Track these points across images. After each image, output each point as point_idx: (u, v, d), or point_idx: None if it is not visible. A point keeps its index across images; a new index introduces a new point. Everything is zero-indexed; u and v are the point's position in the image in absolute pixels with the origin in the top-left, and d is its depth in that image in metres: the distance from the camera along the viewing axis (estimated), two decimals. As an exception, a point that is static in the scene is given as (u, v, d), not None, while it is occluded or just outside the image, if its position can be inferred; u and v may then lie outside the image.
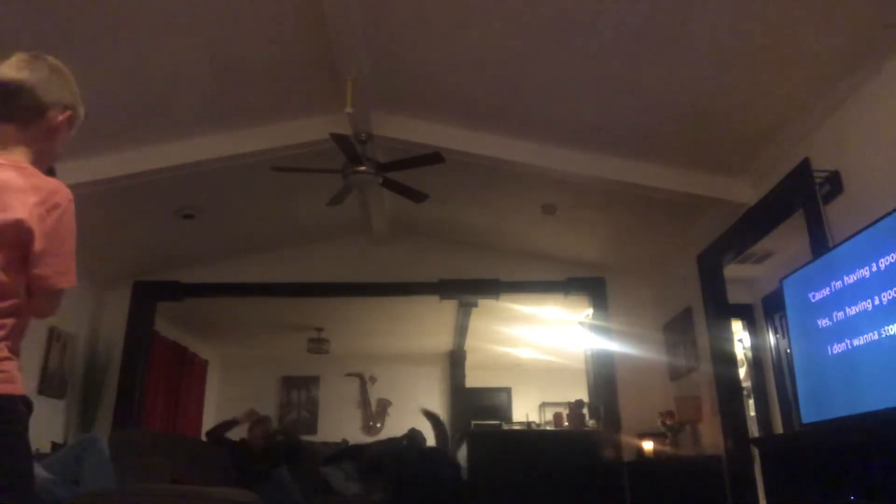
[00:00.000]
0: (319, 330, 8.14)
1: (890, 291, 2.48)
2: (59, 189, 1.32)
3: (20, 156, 1.36)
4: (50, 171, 1.44)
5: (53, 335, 5.08)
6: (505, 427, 6.28)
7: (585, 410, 5.63)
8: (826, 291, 2.88)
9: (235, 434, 5.21)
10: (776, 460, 3.17)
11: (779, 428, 5.40)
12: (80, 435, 4.33)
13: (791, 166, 3.61)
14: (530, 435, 5.86)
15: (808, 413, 2.98)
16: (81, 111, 1.51)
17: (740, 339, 5.89)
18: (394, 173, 4.19)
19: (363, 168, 3.99)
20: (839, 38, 2.92)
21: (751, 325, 5.92)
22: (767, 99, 3.42)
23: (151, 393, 6.36)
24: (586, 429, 5.43)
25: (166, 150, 4.10)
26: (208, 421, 8.14)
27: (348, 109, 3.56)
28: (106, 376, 5.43)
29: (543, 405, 9.37)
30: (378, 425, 9.11)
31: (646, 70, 3.36)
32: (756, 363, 5.88)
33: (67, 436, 5.15)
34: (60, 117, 1.42)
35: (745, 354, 5.99)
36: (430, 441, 5.98)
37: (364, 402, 9.25)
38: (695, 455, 4.86)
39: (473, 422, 6.96)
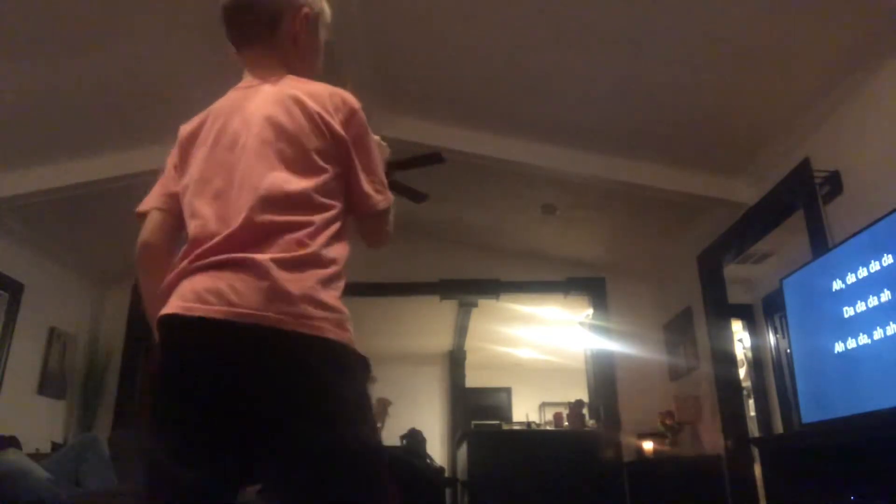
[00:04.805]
0: (319, 330, 8.14)
1: (890, 291, 2.48)
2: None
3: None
4: None
5: (53, 335, 5.08)
6: (505, 427, 6.28)
7: (585, 410, 5.63)
8: (826, 291, 2.88)
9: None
10: (776, 460, 3.17)
11: (779, 428, 5.40)
12: (80, 435, 4.33)
13: (791, 166, 3.61)
14: (530, 435, 5.87)
15: (808, 413, 2.98)
16: (322, 7, 1.37)
17: (740, 339, 5.89)
18: (394, 173, 4.19)
19: (363, 168, 3.99)
20: (839, 38, 2.92)
21: (751, 325, 5.93)
22: (767, 99, 3.42)
23: (151, 393, 6.35)
24: (586, 429, 5.43)
25: (167, 151, 4.09)
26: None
27: (348, 109, 3.56)
28: (106, 376, 5.43)
29: (543, 405, 9.37)
30: (378, 425, 9.11)
31: (646, 70, 3.35)
32: (756, 363, 5.88)
33: (67, 436, 5.14)
34: (297, 19, 1.30)
35: (745, 354, 6.00)
36: (431, 441, 5.98)
37: (364, 402, 9.24)
38: (695, 455, 4.86)
39: (473, 422, 6.96)
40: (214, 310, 1.02)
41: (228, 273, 1.04)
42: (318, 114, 1.16)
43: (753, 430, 5.55)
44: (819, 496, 2.65)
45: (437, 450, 8.49)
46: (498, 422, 6.92)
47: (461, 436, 5.99)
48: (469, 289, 6.11)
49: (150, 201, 1.28)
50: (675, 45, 3.16)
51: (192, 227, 1.14)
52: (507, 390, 9.69)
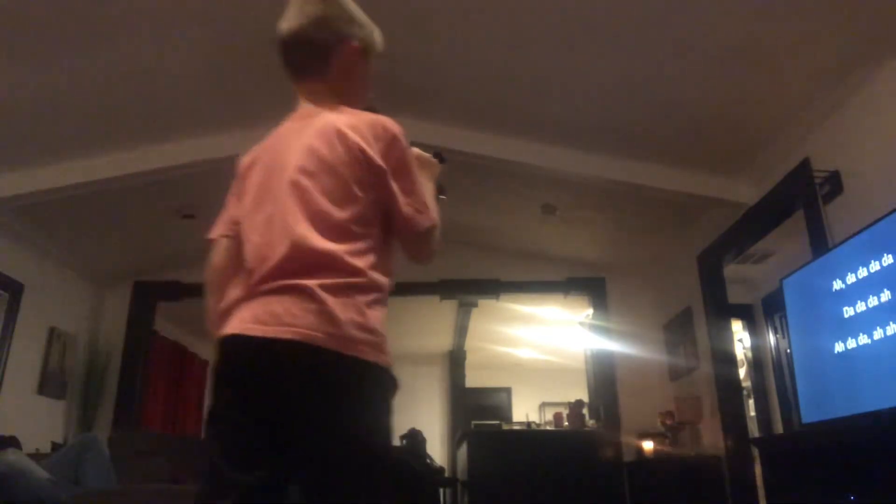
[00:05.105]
0: (319, 330, 8.13)
1: (889, 291, 2.48)
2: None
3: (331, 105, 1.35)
4: (370, 110, 1.42)
5: (53, 335, 5.08)
6: (505, 427, 6.28)
7: (585, 410, 5.63)
8: (826, 291, 2.88)
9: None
10: (776, 460, 3.17)
11: (779, 428, 5.41)
12: (80, 435, 4.33)
13: (791, 166, 3.61)
14: (530, 435, 5.86)
15: (808, 413, 2.98)
16: (372, 34, 1.46)
17: (740, 339, 5.89)
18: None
19: (363, 168, 3.99)
20: (839, 38, 2.92)
21: (751, 325, 5.93)
22: (767, 99, 3.42)
23: (151, 393, 6.35)
24: (586, 429, 5.43)
25: (165, 150, 4.10)
26: (208, 421, 8.13)
27: (348, 109, 3.56)
28: (106, 376, 5.43)
29: (543, 405, 9.38)
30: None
31: (646, 70, 3.35)
32: (756, 363, 5.88)
33: (67, 436, 5.15)
34: (347, 52, 1.39)
35: (745, 354, 6.00)
36: (431, 441, 5.96)
37: (364, 402, 9.24)
38: (695, 455, 4.86)
39: (473, 422, 6.96)
40: (271, 329, 1.13)
41: (285, 297, 1.15)
42: (358, 146, 1.23)
43: (753, 430, 5.55)
44: (819, 496, 2.65)
45: (437, 450, 8.48)
46: (498, 422, 6.92)
47: (461, 436, 5.99)
48: (469, 289, 6.11)
49: (218, 228, 1.39)
50: (675, 45, 3.16)
51: (246, 252, 1.25)
52: (507, 390, 9.69)
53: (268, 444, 1.14)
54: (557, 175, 4.35)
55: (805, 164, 3.49)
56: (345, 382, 1.14)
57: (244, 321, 1.16)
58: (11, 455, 3.06)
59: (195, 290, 5.79)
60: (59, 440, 5.01)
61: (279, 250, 1.18)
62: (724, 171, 4.15)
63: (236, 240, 1.31)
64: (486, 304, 6.69)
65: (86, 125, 3.81)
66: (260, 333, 1.13)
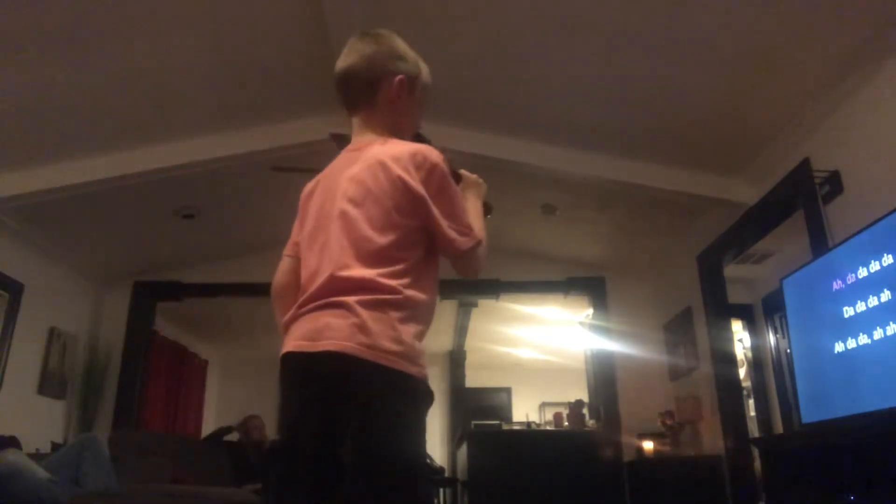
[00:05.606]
0: (319, 330, 8.13)
1: (889, 291, 2.48)
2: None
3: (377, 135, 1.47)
4: (419, 138, 1.54)
5: (53, 335, 5.08)
6: (505, 427, 6.28)
7: (585, 410, 5.63)
8: (826, 291, 2.88)
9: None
10: (776, 460, 3.17)
11: (779, 428, 5.41)
12: (80, 435, 4.33)
13: (791, 166, 3.61)
14: (530, 435, 5.86)
15: (808, 413, 2.98)
16: (419, 69, 1.55)
17: (740, 339, 5.90)
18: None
19: (363, 168, 3.99)
20: (839, 38, 2.92)
21: (751, 325, 5.93)
22: (767, 99, 3.42)
23: (151, 393, 6.36)
24: (586, 429, 5.43)
25: (166, 150, 4.09)
26: (208, 421, 8.15)
27: (348, 109, 3.56)
28: (106, 376, 5.43)
29: (543, 405, 9.38)
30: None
31: (646, 70, 3.35)
32: (756, 363, 5.89)
33: (67, 436, 5.15)
34: (393, 86, 1.47)
35: (745, 354, 6.00)
36: (431, 441, 5.93)
37: (364, 402, 9.23)
38: (695, 455, 4.86)
39: (473, 422, 6.95)
40: (315, 344, 1.25)
41: (327, 312, 1.27)
42: (399, 176, 1.33)
43: (753, 430, 5.55)
44: (819, 496, 2.65)
45: (437, 450, 8.48)
46: (498, 422, 6.91)
47: (461, 436, 5.99)
48: (469, 289, 6.10)
49: (285, 250, 1.54)
50: (675, 45, 3.16)
51: (302, 273, 1.39)
52: (507, 390, 9.69)
53: (318, 449, 1.24)
54: (557, 175, 4.35)
55: (805, 164, 3.49)
56: (378, 392, 1.22)
57: (296, 339, 1.30)
58: (11, 455, 3.06)
59: (195, 290, 5.85)
60: (59, 440, 5.01)
61: (326, 273, 1.30)
62: (724, 171, 4.15)
63: (297, 260, 1.46)
64: (486, 304, 6.69)
65: (86, 125, 3.81)
66: (307, 349, 1.26)
